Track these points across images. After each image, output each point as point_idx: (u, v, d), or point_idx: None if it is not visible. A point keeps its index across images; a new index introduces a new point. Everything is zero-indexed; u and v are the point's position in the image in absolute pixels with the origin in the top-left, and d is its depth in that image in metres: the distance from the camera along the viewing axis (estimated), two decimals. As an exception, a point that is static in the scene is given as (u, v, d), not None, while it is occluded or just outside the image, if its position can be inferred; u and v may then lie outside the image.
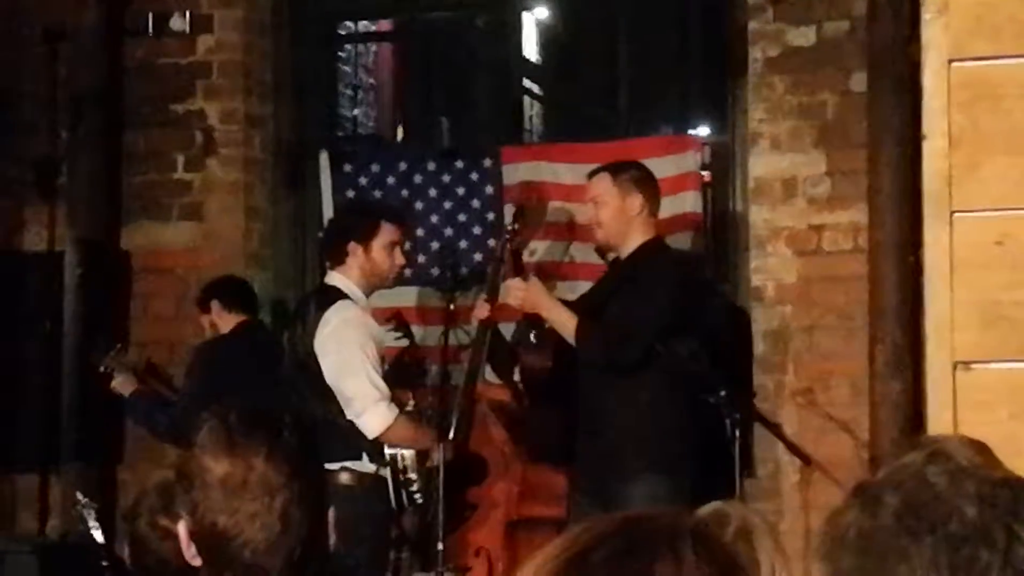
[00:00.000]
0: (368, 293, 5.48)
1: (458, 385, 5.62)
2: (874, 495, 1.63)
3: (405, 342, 5.92)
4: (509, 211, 6.28)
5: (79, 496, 4.33)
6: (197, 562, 2.40)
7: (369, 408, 5.24)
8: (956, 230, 2.60)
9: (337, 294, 5.39)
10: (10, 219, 7.26)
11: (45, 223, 7.06)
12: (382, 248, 5.45)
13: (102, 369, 6.45)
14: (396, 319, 5.94)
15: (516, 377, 5.67)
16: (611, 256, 5.69)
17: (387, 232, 5.47)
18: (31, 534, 6.85)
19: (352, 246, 5.43)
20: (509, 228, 5.85)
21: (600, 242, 5.55)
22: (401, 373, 5.80)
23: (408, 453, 5.27)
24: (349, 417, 5.24)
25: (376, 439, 5.25)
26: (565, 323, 5.29)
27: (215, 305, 6.43)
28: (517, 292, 5.39)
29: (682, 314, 5.24)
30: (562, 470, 5.65)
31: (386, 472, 5.26)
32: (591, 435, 5.34)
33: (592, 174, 5.54)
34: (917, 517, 1.59)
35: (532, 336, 5.51)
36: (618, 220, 5.38)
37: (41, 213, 7.13)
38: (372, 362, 5.27)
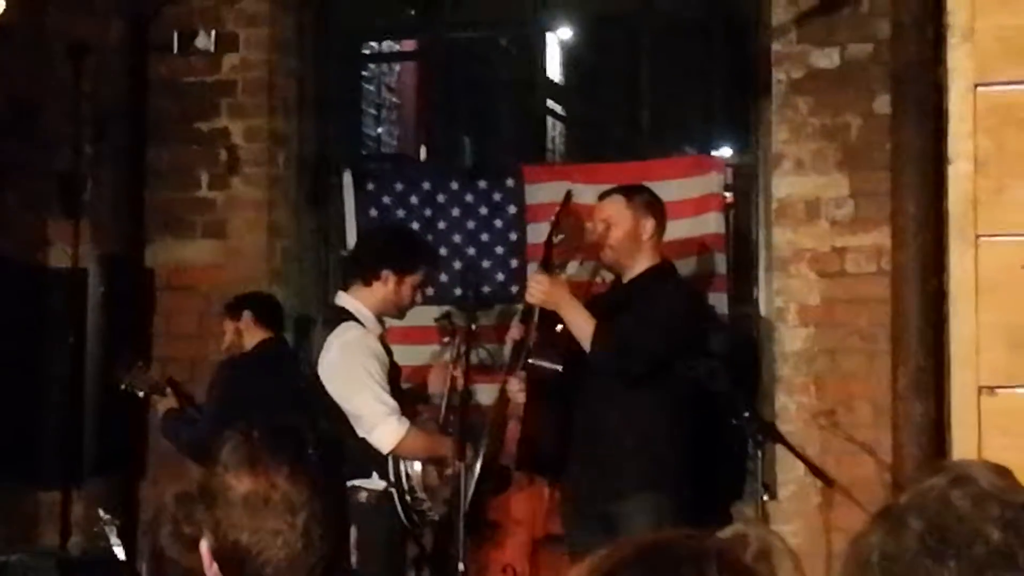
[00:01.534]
0: (379, 317, 5.49)
1: (480, 404, 5.61)
2: (898, 518, 1.63)
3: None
4: (544, 227, 6.20)
5: (101, 512, 4.34)
6: (219, 580, 2.40)
7: (380, 423, 5.24)
8: (981, 254, 2.60)
9: (343, 315, 5.40)
10: (34, 235, 7.28)
11: (69, 240, 7.07)
12: (413, 286, 5.49)
13: (123, 386, 6.46)
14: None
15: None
16: (607, 277, 5.69)
17: (423, 274, 5.54)
18: (53, 550, 6.85)
19: (387, 273, 5.43)
20: (552, 225, 5.82)
21: (606, 262, 5.53)
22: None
23: (414, 471, 5.27)
24: (361, 435, 5.23)
25: (391, 454, 5.25)
26: (583, 325, 5.24)
27: (247, 315, 6.44)
28: (540, 287, 5.36)
29: (689, 336, 5.24)
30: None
31: (394, 490, 5.26)
32: (589, 449, 5.31)
33: (603, 195, 5.53)
34: (941, 540, 1.59)
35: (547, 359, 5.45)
36: (629, 242, 5.39)
37: (65, 230, 7.14)
38: (376, 379, 5.27)
